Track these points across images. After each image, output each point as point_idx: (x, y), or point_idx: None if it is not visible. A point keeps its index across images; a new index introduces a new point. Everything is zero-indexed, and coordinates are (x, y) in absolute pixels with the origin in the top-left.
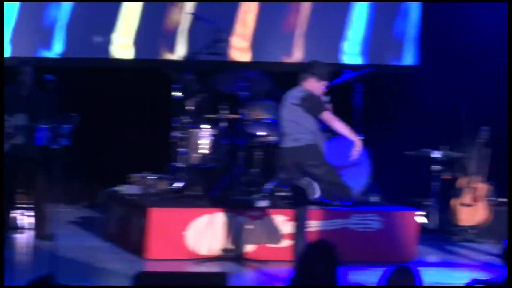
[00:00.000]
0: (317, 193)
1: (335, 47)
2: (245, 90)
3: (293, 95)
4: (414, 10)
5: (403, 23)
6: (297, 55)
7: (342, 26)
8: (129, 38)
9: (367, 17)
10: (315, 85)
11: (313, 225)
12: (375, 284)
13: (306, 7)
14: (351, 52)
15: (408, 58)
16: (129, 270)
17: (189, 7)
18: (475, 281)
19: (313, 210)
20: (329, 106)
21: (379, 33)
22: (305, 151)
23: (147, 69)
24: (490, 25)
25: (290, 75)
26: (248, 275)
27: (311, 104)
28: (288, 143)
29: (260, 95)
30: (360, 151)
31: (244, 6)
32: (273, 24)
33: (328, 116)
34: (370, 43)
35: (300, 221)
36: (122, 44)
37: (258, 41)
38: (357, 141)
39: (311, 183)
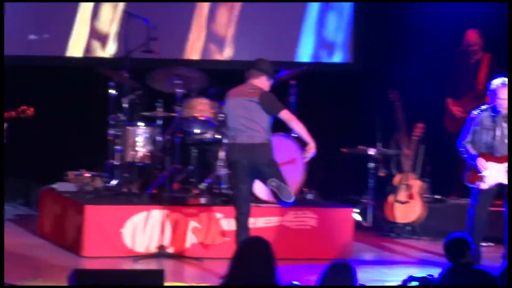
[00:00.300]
0: (292, 196)
1: (270, 45)
2: (180, 87)
3: (245, 92)
4: (347, 8)
5: (336, 21)
6: (229, 52)
7: (276, 24)
8: (65, 36)
9: (301, 15)
10: (265, 83)
11: (250, 222)
12: (313, 281)
13: (237, 6)
14: (286, 50)
15: (342, 55)
16: (65, 267)
17: (123, 5)
18: (411, 278)
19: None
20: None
21: (313, 31)
22: (259, 149)
23: (83, 67)
24: (425, 23)
25: (224, 72)
26: (186, 272)
27: (270, 102)
28: (242, 139)
29: (195, 92)
30: (313, 153)
31: (178, 4)
32: (206, 22)
33: (288, 115)
34: (304, 41)
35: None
36: (58, 43)
37: (192, 38)
38: (312, 143)
39: (281, 185)
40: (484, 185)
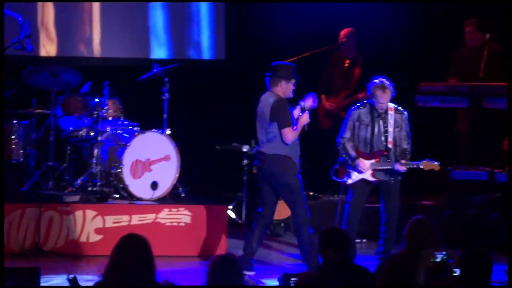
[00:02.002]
0: None
1: (139, 42)
2: (54, 85)
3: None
4: (220, 6)
5: (208, 18)
6: (102, 50)
7: (146, 22)
8: None
9: (167, 14)
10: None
11: (124, 219)
12: (189, 278)
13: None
14: (156, 47)
15: (215, 53)
16: None
17: None
18: (286, 274)
19: (124, 205)
20: None
21: (181, 28)
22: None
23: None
24: (300, 22)
25: (97, 70)
26: (62, 269)
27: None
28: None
29: (69, 90)
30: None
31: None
32: (76, 20)
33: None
34: (174, 38)
35: None
36: None
37: (65, 36)
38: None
39: None
40: (350, 180)
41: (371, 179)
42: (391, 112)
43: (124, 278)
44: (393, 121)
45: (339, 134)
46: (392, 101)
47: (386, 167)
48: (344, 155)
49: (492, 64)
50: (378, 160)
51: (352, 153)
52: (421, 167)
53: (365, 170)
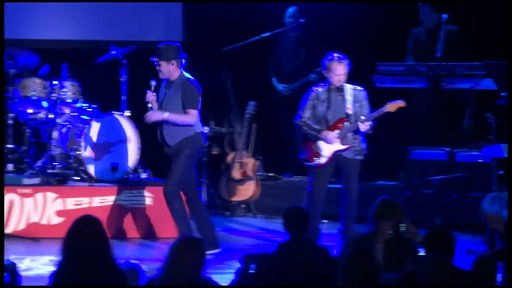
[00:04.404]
0: None
1: (97, 23)
2: (11, 67)
3: None
4: None
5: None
6: (61, 31)
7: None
8: None
9: None
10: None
11: (84, 201)
12: (151, 259)
13: None
14: (117, 28)
15: (173, 33)
16: None
17: None
18: (248, 255)
19: (85, 187)
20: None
21: (139, 9)
22: None
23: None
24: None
25: (56, 52)
26: (22, 252)
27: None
28: None
29: (27, 72)
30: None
31: None
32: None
33: None
34: (131, 20)
35: None
36: None
37: (23, 17)
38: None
39: None
40: (323, 159)
41: (343, 147)
42: (349, 87)
43: (79, 259)
44: (352, 96)
45: (296, 117)
46: (348, 81)
47: (352, 130)
48: (309, 132)
49: (449, 44)
50: (341, 126)
51: (316, 126)
52: (386, 110)
53: (334, 141)
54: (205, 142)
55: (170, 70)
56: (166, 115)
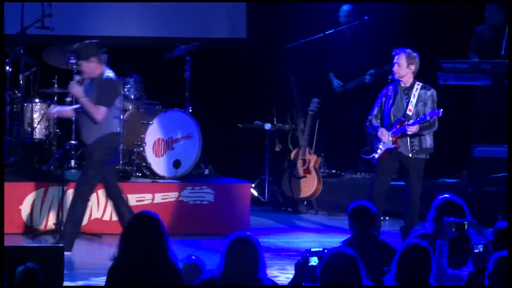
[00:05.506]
0: None
1: (161, 20)
2: (75, 64)
3: None
4: None
5: None
6: (119, 29)
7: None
8: None
9: None
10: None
11: (147, 198)
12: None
13: None
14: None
15: (237, 31)
16: None
17: None
18: (308, 252)
19: (147, 183)
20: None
21: (203, 7)
22: None
23: None
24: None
25: (121, 49)
26: (84, 247)
27: None
28: None
29: None
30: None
31: None
32: None
33: None
34: (198, 16)
35: None
36: None
37: (88, 15)
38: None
39: None
40: (376, 155)
41: (392, 146)
42: (417, 87)
43: (136, 257)
44: (417, 94)
45: (370, 113)
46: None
47: (402, 131)
48: (370, 128)
49: None
50: (398, 126)
51: (376, 124)
52: (428, 118)
53: (386, 138)
54: (120, 143)
55: (91, 68)
56: (83, 99)
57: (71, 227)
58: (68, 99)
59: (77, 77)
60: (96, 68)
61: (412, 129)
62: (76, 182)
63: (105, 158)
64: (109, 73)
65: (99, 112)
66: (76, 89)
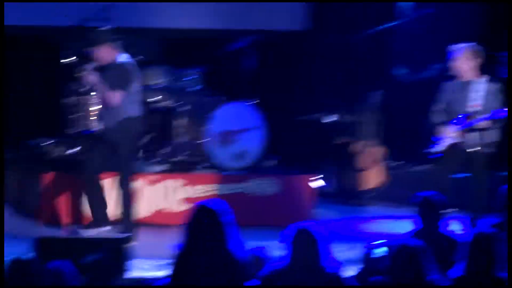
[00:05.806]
0: None
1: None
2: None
3: None
4: None
5: None
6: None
7: None
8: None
9: None
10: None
11: (210, 189)
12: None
13: None
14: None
15: (298, 23)
16: (26, 235)
17: None
18: (371, 245)
19: (210, 174)
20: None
21: None
22: None
23: (37, 35)
24: None
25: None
26: (147, 238)
27: None
28: None
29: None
30: None
31: None
32: None
33: None
34: (258, 8)
35: None
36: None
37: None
38: None
39: None
40: (439, 148)
41: (455, 140)
42: (481, 79)
43: (200, 248)
44: (483, 88)
45: (433, 106)
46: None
47: (467, 125)
48: (433, 122)
49: None
50: (465, 120)
51: (440, 119)
52: (494, 116)
53: (449, 134)
54: (138, 127)
55: (104, 54)
56: (99, 85)
57: (128, 216)
58: (84, 88)
59: (91, 65)
60: (110, 54)
61: (478, 124)
62: (115, 172)
63: (122, 142)
64: (123, 58)
65: (115, 97)
66: (91, 77)
